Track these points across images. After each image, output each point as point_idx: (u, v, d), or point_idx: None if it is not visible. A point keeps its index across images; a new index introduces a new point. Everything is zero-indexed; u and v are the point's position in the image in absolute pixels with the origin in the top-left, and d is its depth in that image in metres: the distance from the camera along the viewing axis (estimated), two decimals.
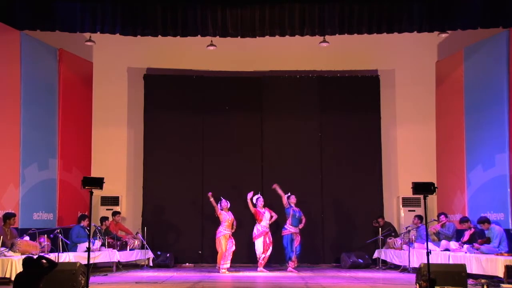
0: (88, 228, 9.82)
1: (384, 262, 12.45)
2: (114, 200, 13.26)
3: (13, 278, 7.20)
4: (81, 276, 7.98)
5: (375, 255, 12.61)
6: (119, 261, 11.51)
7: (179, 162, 13.51)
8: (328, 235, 13.40)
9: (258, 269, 11.61)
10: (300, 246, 11.81)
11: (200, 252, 13.25)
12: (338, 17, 10.98)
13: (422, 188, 8.32)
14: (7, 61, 10.87)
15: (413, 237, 11.74)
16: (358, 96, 13.69)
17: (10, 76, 10.88)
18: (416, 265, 10.40)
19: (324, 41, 12.02)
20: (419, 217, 12.17)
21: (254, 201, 11.75)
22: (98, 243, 11.14)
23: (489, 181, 11.15)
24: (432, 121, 13.51)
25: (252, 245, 11.96)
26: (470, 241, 10.53)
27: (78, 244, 10.96)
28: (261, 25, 11.05)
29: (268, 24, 11.05)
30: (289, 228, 11.73)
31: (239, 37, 11.33)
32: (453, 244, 10.86)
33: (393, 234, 12.62)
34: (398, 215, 13.45)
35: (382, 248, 12.55)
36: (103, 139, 13.44)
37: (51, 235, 10.36)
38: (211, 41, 12.16)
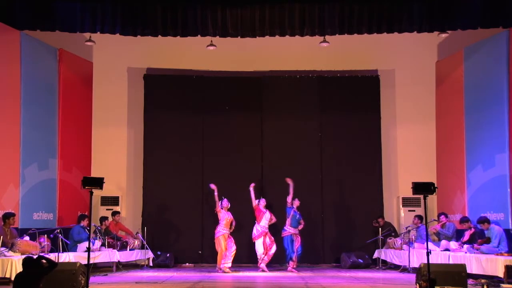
0: (88, 228, 9.83)
1: (384, 262, 12.45)
2: (114, 200, 13.26)
3: (13, 278, 7.19)
4: (81, 276, 7.98)
5: (375, 255, 12.61)
6: (119, 261, 11.52)
7: (179, 162, 13.51)
8: (328, 235, 13.40)
9: (260, 265, 11.59)
10: (301, 246, 11.83)
11: (200, 252, 13.25)
12: (338, 17, 10.98)
13: (422, 188, 8.32)
14: (7, 61, 10.87)
15: (413, 237, 11.74)
16: (358, 96, 13.69)
17: (10, 76, 10.88)
18: (416, 265, 10.40)
19: (324, 41, 12.01)
20: (419, 217, 12.17)
21: (256, 202, 11.74)
22: (98, 243, 11.15)
23: (489, 181, 11.15)
24: (432, 121, 13.51)
25: (251, 245, 11.97)
26: (470, 241, 10.53)
27: (78, 244, 10.95)
28: (261, 25, 11.05)
29: (268, 24, 11.05)
30: (288, 229, 11.75)
31: (239, 37, 11.33)
32: (453, 244, 10.86)
33: (393, 234, 12.62)
34: (398, 215, 13.46)
35: (382, 248, 12.55)
36: (103, 139, 13.44)
37: (51, 235, 10.36)
38: (211, 41, 12.16)
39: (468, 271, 8.82)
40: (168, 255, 12.70)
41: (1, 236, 9.47)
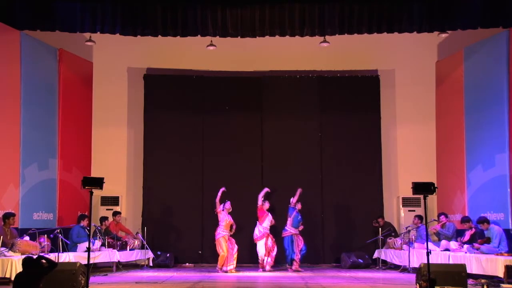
0: (88, 228, 9.83)
1: (384, 262, 12.45)
2: (114, 200, 13.27)
3: (13, 278, 7.19)
4: (81, 276, 7.98)
5: (375, 255, 12.61)
6: (119, 261, 11.52)
7: (179, 162, 13.51)
8: (328, 235, 13.40)
9: (266, 268, 11.58)
10: (305, 246, 11.87)
11: (200, 252, 13.25)
12: (338, 17, 10.98)
13: (422, 188, 8.32)
14: (7, 61, 10.87)
15: (413, 237, 11.74)
16: (358, 96, 13.69)
17: (10, 76, 10.88)
18: (416, 265, 10.40)
19: (325, 41, 12.01)
20: (419, 217, 12.17)
21: (261, 202, 11.75)
22: (98, 243, 11.15)
23: (489, 181, 11.15)
24: (432, 121, 13.51)
25: (253, 246, 11.98)
26: (470, 241, 10.52)
27: (78, 244, 10.96)
28: (261, 25, 11.05)
29: (268, 24, 11.06)
30: (289, 229, 11.77)
31: (239, 37, 11.33)
32: (453, 244, 10.86)
33: (393, 234, 12.62)
34: (398, 215, 13.45)
35: (382, 248, 12.55)
36: (103, 139, 13.44)
37: (51, 235, 10.36)
38: (211, 41, 12.16)
39: (468, 271, 8.82)
40: (168, 255, 12.70)
41: (1, 236, 9.48)
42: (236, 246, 11.59)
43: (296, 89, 13.74)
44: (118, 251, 11.50)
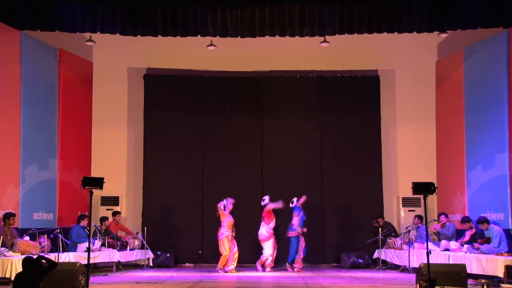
0: (88, 228, 9.83)
1: (384, 262, 12.45)
2: (114, 200, 13.27)
3: (13, 278, 7.19)
4: (81, 276, 7.98)
5: (375, 255, 12.61)
6: (119, 261, 11.52)
7: (179, 162, 13.50)
8: (328, 235, 13.40)
9: (267, 269, 11.58)
10: (305, 247, 11.87)
11: (200, 252, 13.25)
12: (338, 17, 10.98)
13: (422, 188, 8.32)
14: (7, 61, 10.87)
15: (413, 237, 11.74)
16: (358, 96, 13.69)
17: (10, 76, 10.88)
18: (416, 265, 10.40)
19: (325, 41, 12.00)
20: (419, 217, 12.17)
21: (269, 203, 11.77)
22: (98, 243, 11.15)
23: (489, 181, 11.15)
24: (432, 121, 13.51)
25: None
26: (470, 241, 10.52)
27: (78, 244, 10.96)
28: (261, 25, 11.05)
29: (268, 24, 11.05)
30: (297, 229, 11.75)
31: (239, 37, 11.33)
32: (453, 244, 10.86)
33: (393, 234, 12.62)
34: (398, 215, 13.45)
35: (382, 248, 12.55)
36: (103, 139, 13.44)
37: (51, 235, 10.36)
38: (211, 41, 12.16)
39: (468, 271, 8.82)
40: (168, 255, 12.70)
41: (1, 236, 9.48)
42: (236, 248, 11.58)
43: (296, 89, 13.74)
44: (118, 251, 11.50)
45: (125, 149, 13.76)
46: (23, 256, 7.20)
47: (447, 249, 10.84)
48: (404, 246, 11.74)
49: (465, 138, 12.00)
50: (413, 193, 8.53)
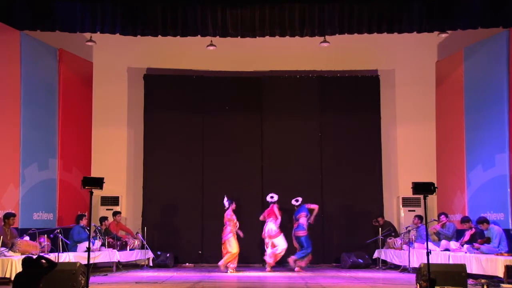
0: (88, 228, 9.83)
1: (384, 262, 12.45)
2: (114, 200, 13.26)
3: (13, 278, 7.19)
4: (81, 276, 7.98)
5: (375, 255, 12.61)
6: (119, 261, 11.51)
7: (179, 162, 13.50)
8: (328, 235, 13.40)
9: (270, 268, 11.62)
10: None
11: (200, 252, 13.25)
12: (338, 17, 10.98)
13: (422, 188, 8.32)
14: (7, 61, 10.87)
15: (413, 237, 11.74)
16: (358, 96, 13.69)
17: (10, 76, 10.88)
18: (416, 265, 10.40)
19: (325, 41, 12.00)
20: (419, 217, 12.17)
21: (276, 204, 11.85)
22: (98, 243, 11.15)
23: (489, 181, 11.15)
24: (432, 121, 13.51)
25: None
26: (470, 241, 10.52)
27: (78, 244, 10.96)
28: (261, 25, 11.05)
29: (268, 24, 11.05)
30: (306, 228, 11.82)
31: (239, 37, 11.33)
32: (453, 244, 10.86)
33: (393, 234, 12.62)
34: (398, 215, 13.45)
35: (382, 248, 12.55)
36: (103, 139, 13.44)
37: (51, 235, 10.36)
38: (211, 41, 12.16)
39: (468, 271, 8.82)
40: (168, 255, 12.70)
41: (1, 236, 9.48)
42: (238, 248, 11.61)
43: (296, 89, 13.74)
44: (118, 251, 11.50)
45: (125, 149, 13.76)
46: (23, 256, 7.19)
47: (447, 249, 10.84)
48: (404, 246, 11.74)
49: (465, 138, 12.00)
50: (413, 193, 8.53)
